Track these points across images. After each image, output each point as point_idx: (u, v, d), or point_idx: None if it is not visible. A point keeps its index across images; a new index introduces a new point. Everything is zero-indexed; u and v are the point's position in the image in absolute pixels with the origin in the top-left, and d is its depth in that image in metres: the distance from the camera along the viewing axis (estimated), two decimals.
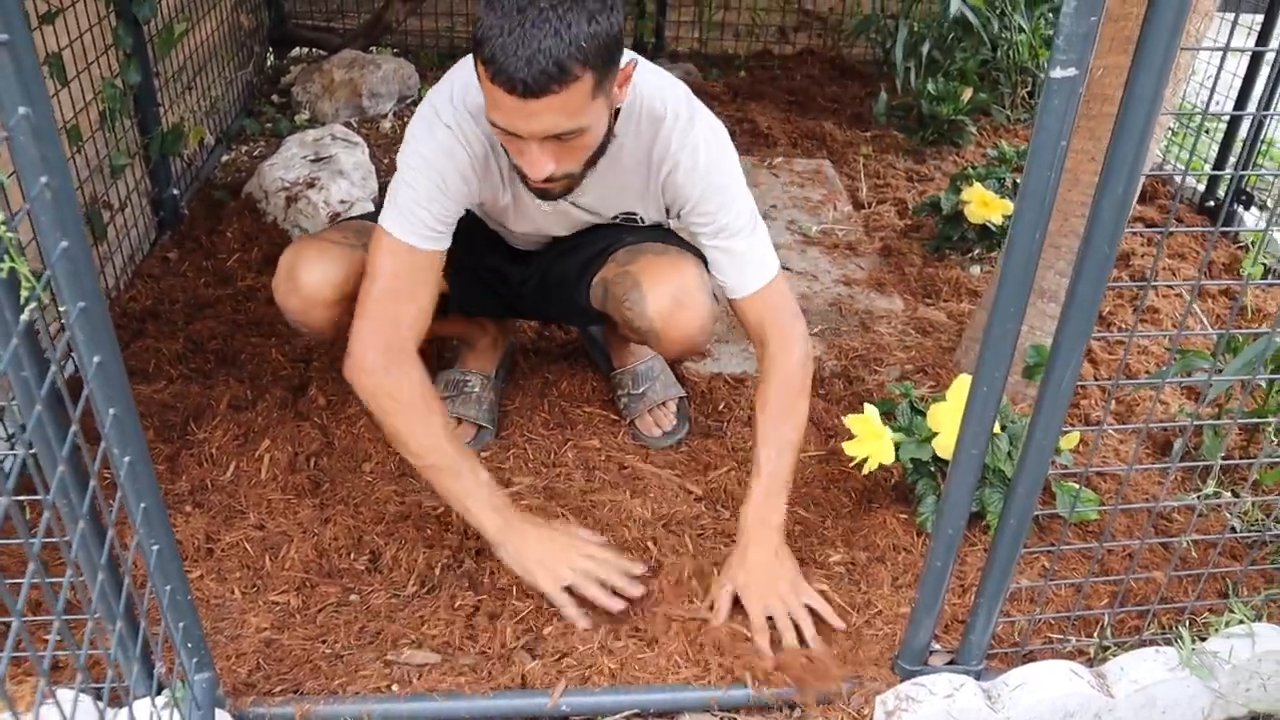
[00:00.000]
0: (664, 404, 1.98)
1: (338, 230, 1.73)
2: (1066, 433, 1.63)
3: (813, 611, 1.53)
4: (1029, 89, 3.33)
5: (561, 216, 1.70)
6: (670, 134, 1.53)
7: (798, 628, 1.50)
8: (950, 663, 1.44)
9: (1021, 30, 3.12)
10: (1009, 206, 2.44)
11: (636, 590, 1.53)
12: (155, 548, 1.17)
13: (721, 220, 1.57)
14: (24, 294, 0.86)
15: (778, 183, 3.00)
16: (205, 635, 1.46)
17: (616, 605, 1.51)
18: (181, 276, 2.37)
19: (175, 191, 2.56)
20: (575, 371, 2.12)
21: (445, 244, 1.55)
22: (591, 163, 1.45)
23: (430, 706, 1.39)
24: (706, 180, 1.55)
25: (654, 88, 1.53)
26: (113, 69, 2.23)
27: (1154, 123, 0.99)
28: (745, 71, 3.90)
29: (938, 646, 1.48)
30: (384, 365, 1.50)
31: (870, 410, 1.64)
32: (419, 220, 1.50)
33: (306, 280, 1.63)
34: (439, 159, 1.49)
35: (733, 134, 3.19)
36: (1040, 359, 2.00)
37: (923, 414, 1.69)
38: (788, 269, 2.55)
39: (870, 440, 1.63)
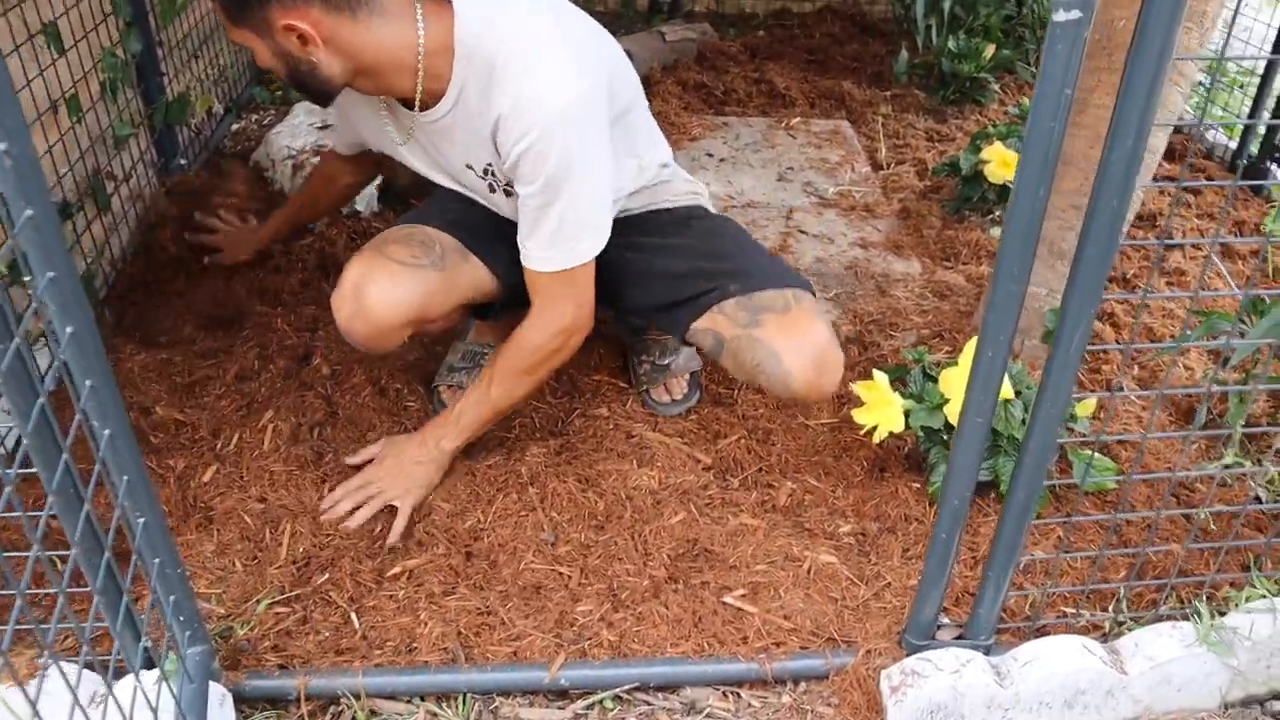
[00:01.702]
0: (680, 377, 1.94)
1: (401, 245, 1.62)
2: (1082, 399, 1.58)
3: None
4: None
5: (424, 155, 1.64)
6: (502, 80, 1.42)
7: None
8: (959, 637, 1.40)
9: None
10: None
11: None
12: (141, 520, 1.15)
13: (538, 184, 1.45)
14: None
15: (795, 144, 2.93)
16: (200, 609, 1.46)
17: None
18: (187, 245, 2.35)
19: (183, 161, 2.54)
20: (585, 340, 2.08)
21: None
22: (298, 86, 1.46)
23: (427, 679, 1.37)
24: (528, 137, 1.42)
25: (495, 34, 1.42)
26: (113, 38, 2.20)
27: (1165, 67, 0.93)
28: (764, 30, 3.82)
29: (946, 620, 1.44)
30: None
31: (880, 376, 1.59)
32: None
33: (375, 307, 1.56)
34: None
35: (750, 95, 3.14)
36: None
37: (935, 380, 1.64)
38: (804, 232, 2.50)
39: (880, 408, 1.59)
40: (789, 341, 1.54)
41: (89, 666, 1.28)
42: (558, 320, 1.57)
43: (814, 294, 1.64)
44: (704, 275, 1.65)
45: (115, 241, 2.24)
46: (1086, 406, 1.61)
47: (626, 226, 1.70)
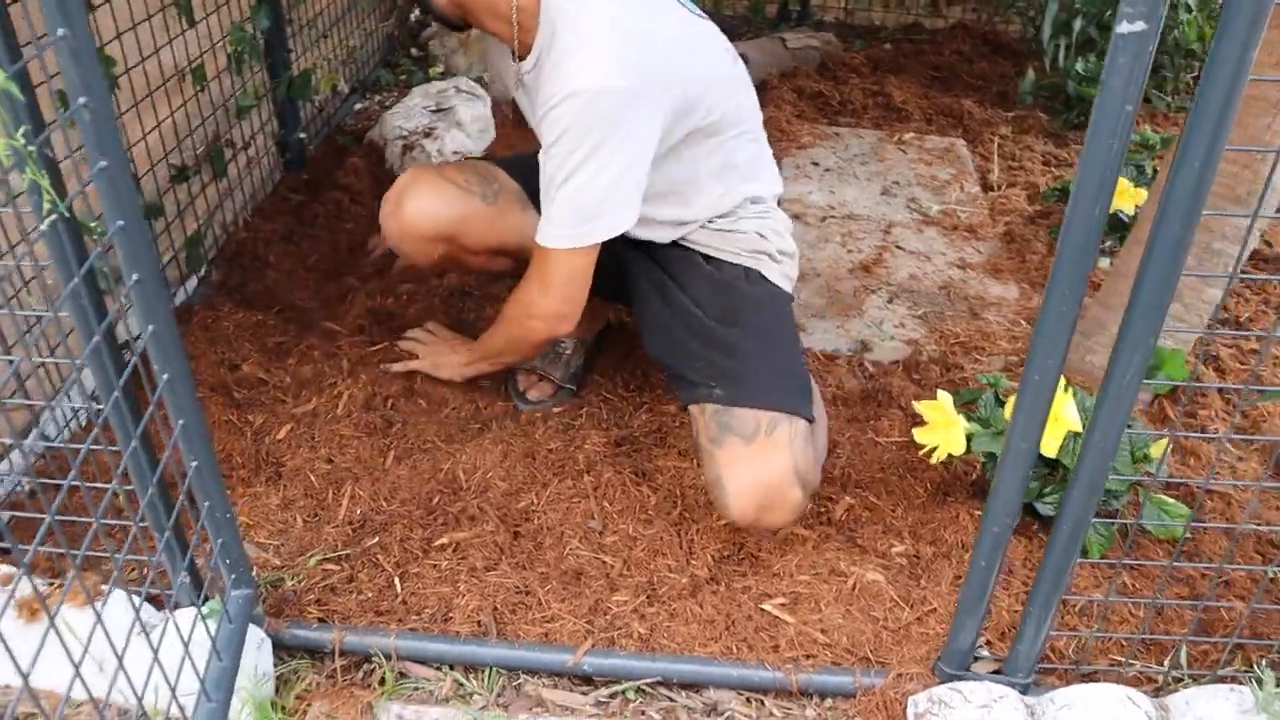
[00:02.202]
0: None
1: (461, 170, 1.72)
2: (1157, 439, 1.50)
3: None
4: (1194, 74, 3.07)
5: (525, 106, 1.67)
6: (554, 51, 1.45)
7: None
8: (997, 672, 1.36)
9: (1189, 8, 2.88)
10: (1143, 195, 2.26)
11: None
12: (194, 464, 1.21)
13: (549, 152, 1.45)
14: (46, 207, 0.89)
15: (904, 159, 2.87)
16: (256, 557, 1.53)
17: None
18: (295, 215, 2.46)
19: (302, 135, 2.65)
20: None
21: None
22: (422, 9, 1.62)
23: (456, 649, 1.40)
24: (549, 106, 1.43)
25: (571, 7, 1.44)
26: (244, 14, 2.31)
27: (1240, 88, 0.88)
28: (890, 44, 3.75)
29: (986, 653, 1.40)
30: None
31: (944, 397, 1.55)
32: None
33: (411, 210, 1.68)
34: None
35: (865, 107, 3.09)
36: (1159, 362, 1.85)
37: (1004, 405, 1.59)
38: (901, 248, 2.45)
39: (942, 428, 1.54)
40: (738, 471, 1.47)
41: (150, 600, 1.35)
42: (525, 293, 1.59)
43: (807, 418, 1.54)
44: (705, 364, 1.57)
45: (229, 206, 2.36)
46: (1159, 447, 1.53)
47: (674, 259, 1.67)
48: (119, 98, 1.82)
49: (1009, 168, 2.84)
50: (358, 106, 3.14)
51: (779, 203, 1.76)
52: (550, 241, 1.50)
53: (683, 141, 1.54)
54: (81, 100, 0.95)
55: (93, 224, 1.02)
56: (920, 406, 1.58)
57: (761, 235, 1.67)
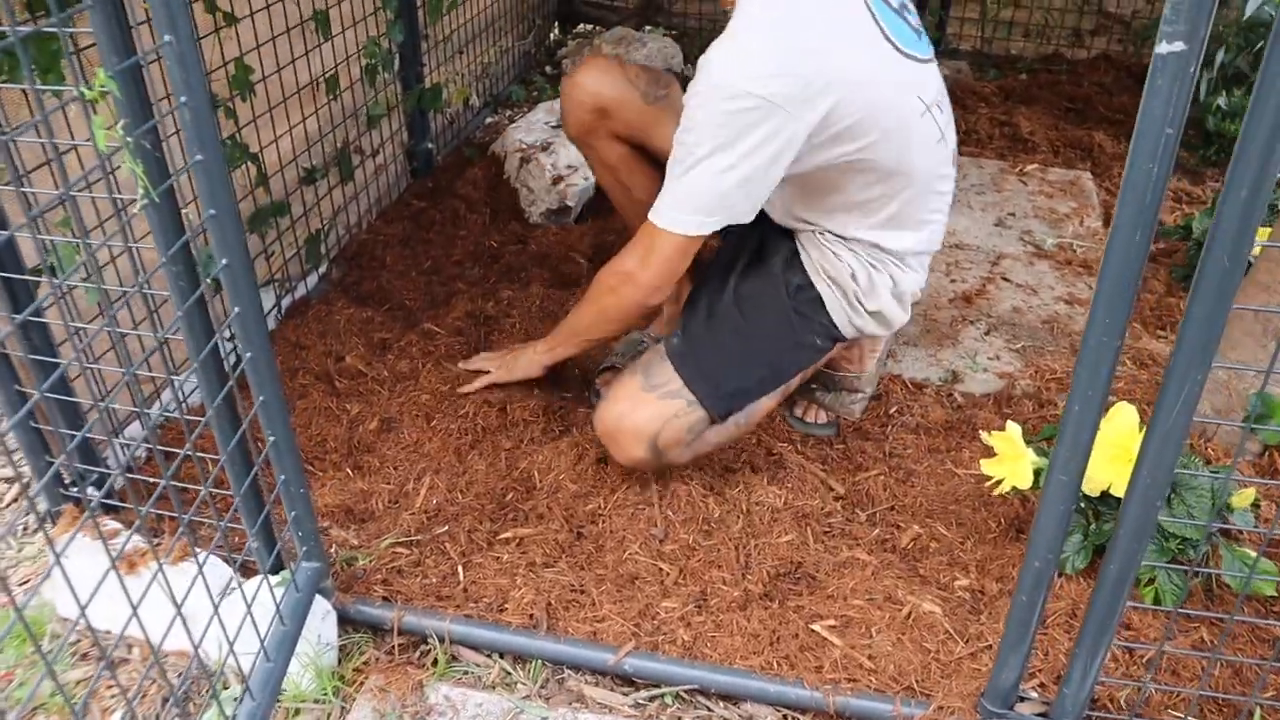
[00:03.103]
0: (829, 410, 1.93)
1: (640, 69, 1.86)
2: (1241, 487, 1.43)
3: None
4: None
5: None
6: (720, 40, 1.44)
7: None
8: (1044, 715, 1.32)
9: None
10: (1266, 233, 2.15)
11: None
12: (271, 439, 1.31)
13: (684, 145, 1.46)
14: (140, 193, 0.99)
15: (1023, 190, 2.80)
16: (335, 536, 1.62)
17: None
18: (414, 221, 2.59)
19: (430, 145, 2.79)
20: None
21: None
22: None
23: (505, 638, 1.46)
24: (691, 86, 1.44)
25: (760, 9, 1.44)
26: (380, 29, 2.46)
27: None
28: (1026, 74, 3.66)
29: (1034, 695, 1.36)
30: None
31: (1013, 428, 1.51)
32: None
33: (577, 79, 1.84)
34: None
35: (990, 138, 3.03)
36: (1269, 411, 1.76)
37: None
38: (1007, 280, 2.39)
39: (1010, 461, 1.51)
40: (616, 399, 1.66)
41: (234, 564, 1.46)
42: (624, 261, 1.60)
43: (710, 414, 1.65)
44: (694, 313, 1.72)
45: (354, 209, 2.50)
46: (1245, 497, 1.45)
47: (770, 233, 1.74)
48: (254, 104, 1.97)
49: None
50: (488, 120, 3.28)
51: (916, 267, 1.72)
52: (663, 222, 1.51)
53: (821, 166, 1.52)
54: (183, 99, 1.05)
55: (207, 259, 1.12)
56: (989, 437, 1.55)
57: (854, 276, 1.66)
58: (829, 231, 1.66)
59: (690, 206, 1.49)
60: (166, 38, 1.02)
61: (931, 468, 1.83)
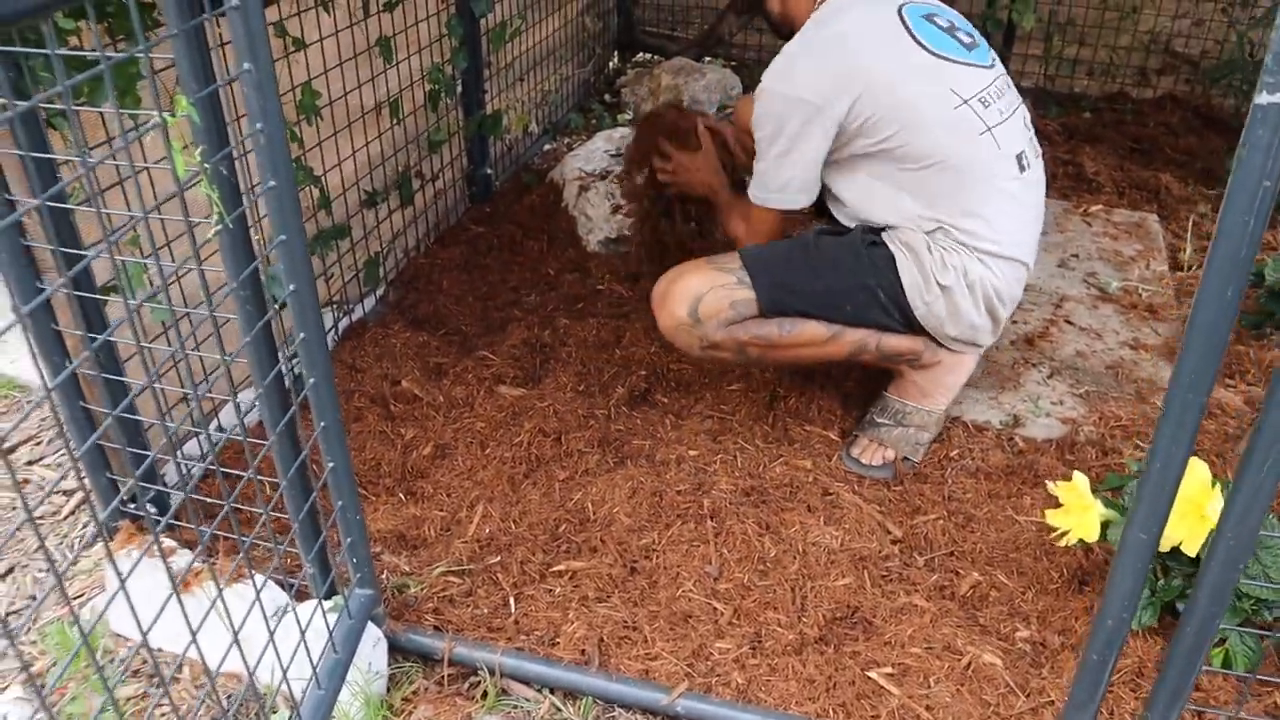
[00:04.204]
0: (889, 450, 1.90)
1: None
2: None
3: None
4: None
5: None
6: (777, 56, 1.80)
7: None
8: None
9: None
10: None
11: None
12: (330, 465, 1.30)
13: (756, 139, 1.82)
14: (214, 218, 0.99)
15: (1088, 232, 2.75)
16: (387, 562, 1.62)
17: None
18: (472, 246, 2.60)
19: (489, 171, 2.81)
20: (807, 390, 2.08)
21: None
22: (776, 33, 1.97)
23: (556, 673, 1.44)
24: (755, 97, 1.79)
25: (812, 26, 1.80)
26: (444, 55, 2.48)
27: None
28: (1091, 113, 3.61)
29: None
30: None
31: (1079, 479, 1.47)
32: None
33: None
34: None
35: (1054, 177, 3.00)
36: None
37: None
38: (1071, 323, 2.34)
39: (1076, 512, 1.47)
40: (683, 270, 1.84)
41: (287, 589, 1.46)
42: (735, 225, 2.05)
43: (757, 295, 1.79)
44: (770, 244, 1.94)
45: (413, 232, 2.52)
46: None
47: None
48: (320, 127, 2.00)
49: (1203, 248, 2.67)
50: (547, 147, 3.29)
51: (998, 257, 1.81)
52: (755, 197, 1.88)
53: (857, 154, 1.78)
54: (259, 125, 1.06)
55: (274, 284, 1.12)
56: (1055, 487, 1.51)
57: (929, 248, 1.77)
58: (903, 217, 1.81)
59: (763, 188, 1.85)
60: (246, 66, 1.03)
61: (991, 513, 1.79)
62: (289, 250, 1.15)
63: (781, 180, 1.81)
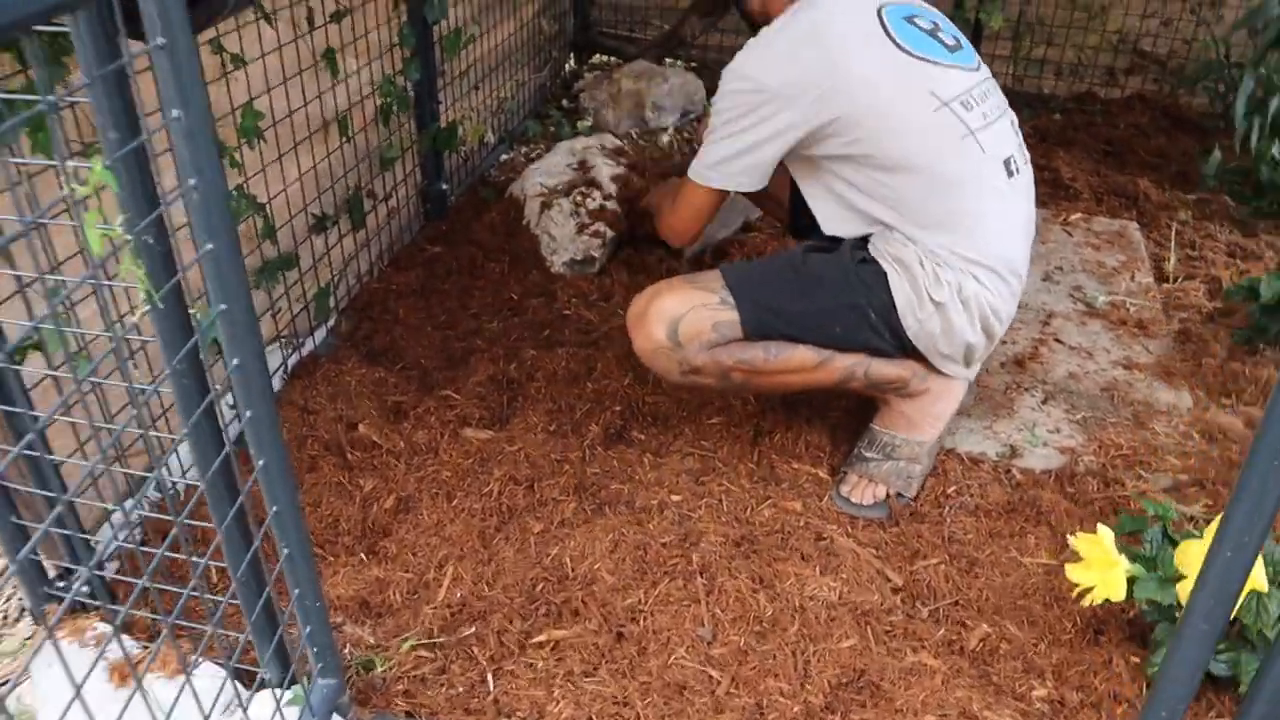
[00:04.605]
0: (880, 486, 1.79)
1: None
2: None
3: None
4: None
5: None
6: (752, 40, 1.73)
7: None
8: None
9: None
10: None
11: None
12: (285, 551, 1.16)
13: (712, 114, 1.74)
14: (142, 295, 0.84)
15: (1069, 242, 2.67)
16: (349, 634, 1.47)
17: None
18: (428, 268, 2.45)
19: (444, 186, 2.65)
20: (792, 424, 1.96)
21: None
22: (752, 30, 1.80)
23: None
24: (723, 74, 1.72)
25: (788, 16, 1.71)
26: (396, 66, 2.32)
27: None
28: (1060, 114, 3.54)
29: None
30: None
31: (1104, 532, 1.37)
32: None
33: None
34: None
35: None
36: None
37: (1175, 543, 1.40)
38: (1060, 342, 2.25)
39: (1100, 568, 1.37)
40: (660, 288, 1.73)
41: (239, 676, 1.31)
42: (662, 202, 2.02)
43: (736, 307, 1.67)
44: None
45: (365, 256, 2.36)
46: None
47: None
48: (263, 150, 1.83)
49: (1187, 257, 2.60)
50: (504, 157, 3.14)
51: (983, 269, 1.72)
52: (690, 173, 1.79)
53: (828, 156, 1.69)
54: (191, 182, 0.91)
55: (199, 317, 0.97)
56: (1076, 542, 1.40)
57: (921, 263, 1.67)
58: (887, 232, 1.72)
59: (707, 164, 1.75)
60: (175, 113, 0.88)
61: (994, 555, 1.69)
62: (231, 320, 1.00)
63: (724, 155, 1.72)
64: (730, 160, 1.72)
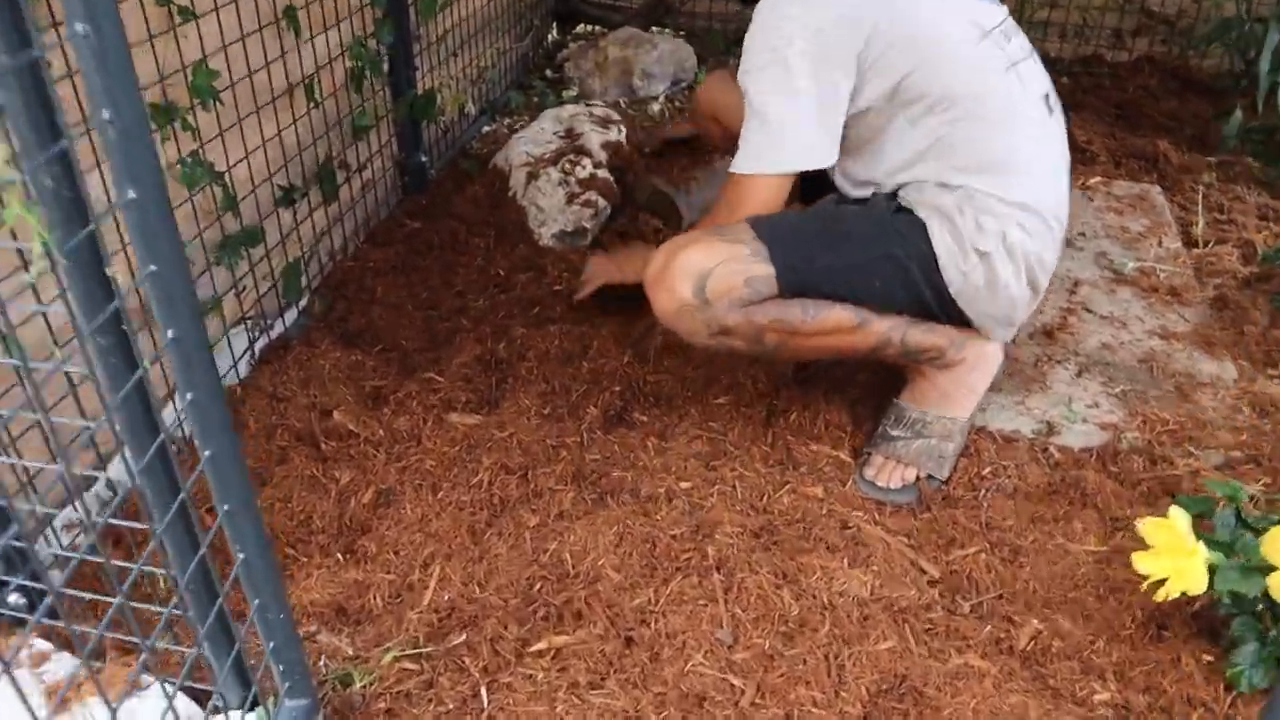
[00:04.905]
0: (909, 468, 1.63)
1: None
2: None
3: None
4: None
5: None
6: None
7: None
8: None
9: None
10: None
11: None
12: (241, 556, 0.99)
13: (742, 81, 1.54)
14: (36, 249, 0.67)
15: (1090, 207, 2.52)
16: (324, 644, 1.30)
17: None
18: (408, 244, 2.27)
19: (424, 158, 2.47)
20: (810, 401, 1.80)
21: None
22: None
23: None
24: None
25: None
26: (367, 28, 2.14)
27: None
28: (1068, 78, 3.38)
29: None
30: None
31: (1178, 516, 1.21)
32: None
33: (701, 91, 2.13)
34: None
35: None
36: None
37: (1255, 531, 1.24)
38: (1090, 311, 2.10)
39: (1175, 556, 1.21)
40: (675, 240, 1.55)
41: (193, 696, 1.14)
42: (717, 213, 1.62)
43: (772, 268, 1.50)
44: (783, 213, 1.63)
45: (339, 231, 2.18)
46: None
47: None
48: (221, 113, 1.65)
49: (1216, 221, 2.45)
50: (485, 129, 2.96)
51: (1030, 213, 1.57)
52: (741, 169, 1.56)
53: (872, 101, 1.53)
54: (105, 115, 0.74)
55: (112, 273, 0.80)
56: (1145, 527, 1.24)
57: (961, 210, 1.53)
58: (920, 181, 1.58)
59: (768, 143, 1.53)
60: (106, 114, 0.71)
61: (1039, 542, 1.53)
62: (162, 283, 0.82)
63: (788, 124, 1.50)
64: (798, 126, 1.51)
